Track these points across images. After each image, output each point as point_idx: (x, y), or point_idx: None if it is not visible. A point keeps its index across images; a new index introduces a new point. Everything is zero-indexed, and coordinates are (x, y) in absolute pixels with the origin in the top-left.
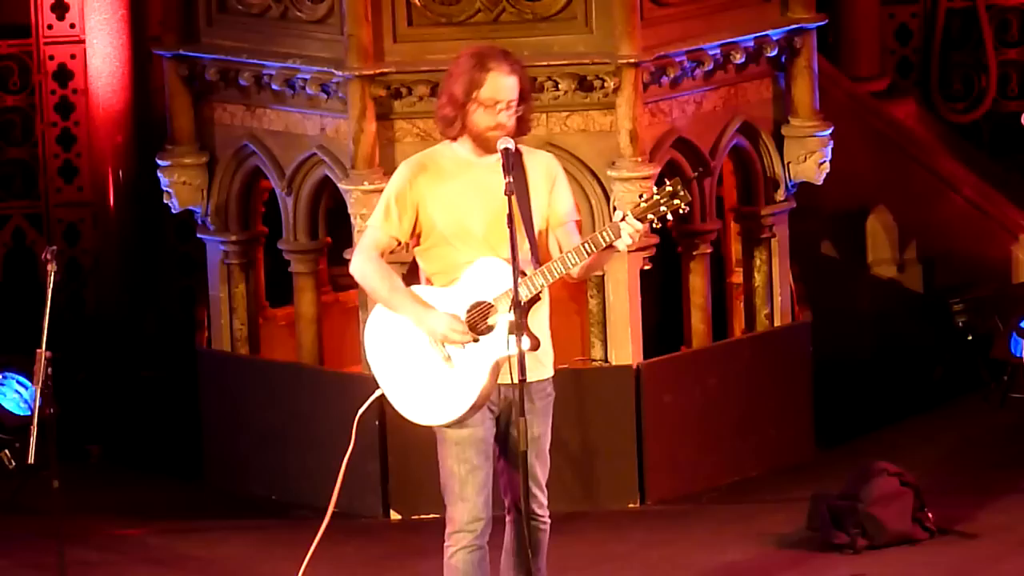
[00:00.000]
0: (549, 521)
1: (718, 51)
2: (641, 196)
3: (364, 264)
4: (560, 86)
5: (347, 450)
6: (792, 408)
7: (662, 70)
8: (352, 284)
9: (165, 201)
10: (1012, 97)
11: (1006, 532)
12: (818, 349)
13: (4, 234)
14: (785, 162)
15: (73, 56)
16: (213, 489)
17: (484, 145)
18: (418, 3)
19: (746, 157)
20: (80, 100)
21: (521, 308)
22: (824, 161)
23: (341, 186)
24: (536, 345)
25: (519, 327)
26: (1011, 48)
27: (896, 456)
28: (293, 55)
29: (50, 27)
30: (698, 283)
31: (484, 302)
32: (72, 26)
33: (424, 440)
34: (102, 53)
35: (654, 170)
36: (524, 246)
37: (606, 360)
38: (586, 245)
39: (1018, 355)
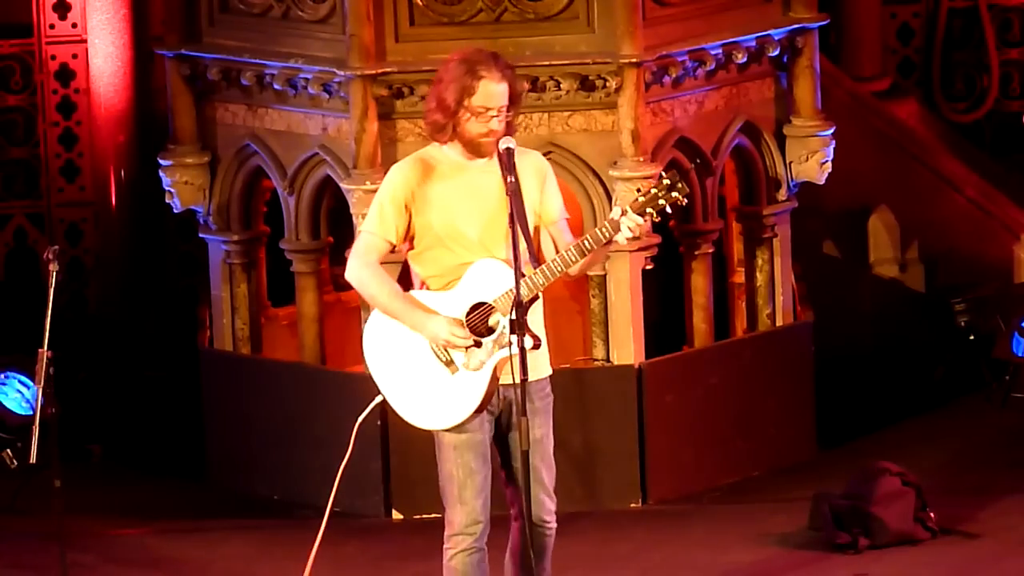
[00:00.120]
0: (555, 526)
1: (720, 51)
2: (638, 190)
3: (361, 270)
4: (562, 86)
5: (346, 454)
6: (794, 408)
7: (664, 70)
8: None
9: (167, 201)
10: (1014, 97)
11: (1008, 532)
12: (819, 349)
13: (6, 234)
14: (787, 162)
15: (75, 56)
16: (215, 489)
17: (475, 149)
18: (420, 3)
19: (748, 157)
20: (82, 100)
21: (523, 307)
22: (826, 161)
23: (343, 186)
24: (538, 344)
25: (520, 326)
26: (1013, 48)
27: (898, 456)
28: (295, 55)
29: (52, 27)
30: (700, 283)
31: (484, 304)
32: (74, 26)
33: (425, 440)
34: (104, 53)
35: (656, 170)
36: (521, 245)
37: (608, 360)
38: (585, 242)
39: (1020, 355)
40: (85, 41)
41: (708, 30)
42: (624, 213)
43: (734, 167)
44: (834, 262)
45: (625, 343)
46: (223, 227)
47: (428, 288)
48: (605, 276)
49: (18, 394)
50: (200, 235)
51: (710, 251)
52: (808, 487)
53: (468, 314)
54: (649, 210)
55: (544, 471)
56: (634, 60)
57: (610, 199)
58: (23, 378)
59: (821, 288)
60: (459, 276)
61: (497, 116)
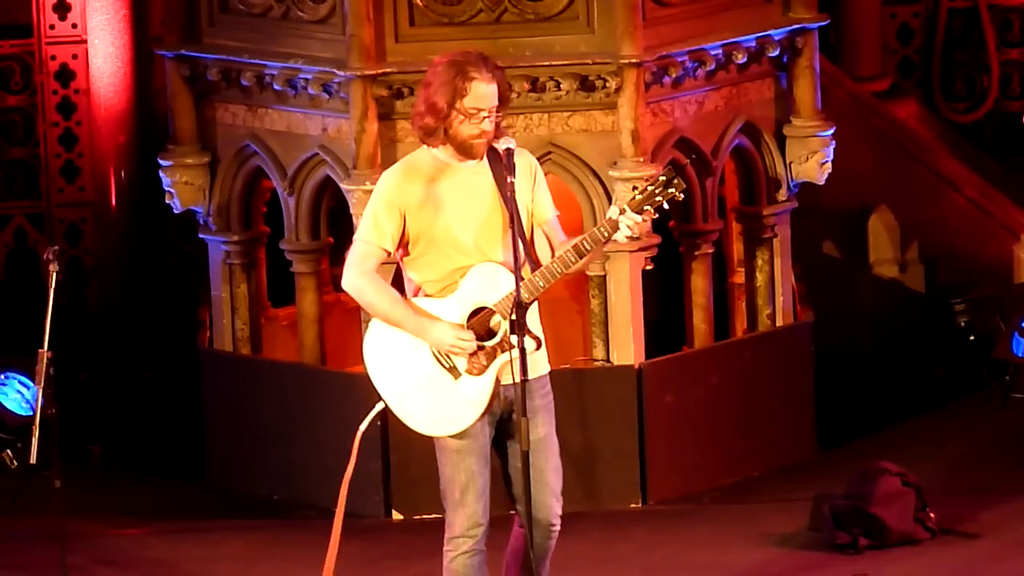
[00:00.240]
0: (559, 528)
1: (720, 51)
2: (635, 188)
3: (358, 279)
4: (562, 86)
5: (349, 461)
6: (794, 408)
7: (664, 70)
8: None
9: (167, 201)
10: (1014, 97)
11: (1008, 532)
12: (819, 349)
13: (6, 234)
14: (787, 162)
15: (75, 56)
16: (215, 489)
17: (466, 151)
18: (420, 3)
19: (748, 157)
20: (82, 100)
21: (523, 308)
22: (826, 161)
23: (343, 186)
24: (539, 345)
25: (521, 327)
26: (1013, 48)
27: (898, 456)
28: (295, 55)
29: (52, 27)
30: (700, 283)
31: (484, 308)
32: (74, 26)
33: (425, 441)
34: (104, 53)
35: (656, 170)
36: (519, 246)
37: (608, 360)
38: (584, 242)
39: (1020, 355)
40: (85, 41)
41: (708, 30)
42: (622, 212)
43: (734, 167)
44: (834, 262)
45: (625, 343)
46: (223, 227)
47: (424, 293)
48: (605, 276)
49: (18, 394)
50: (200, 235)
51: (710, 251)
52: (808, 487)
53: (469, 319)
54: (647, 208)
55: (551, 473)
56: (634, 60)
57: (610, 199)
58: (23, 378)
59: (821, 288)
60: (455, 280)
61: (488, 117)
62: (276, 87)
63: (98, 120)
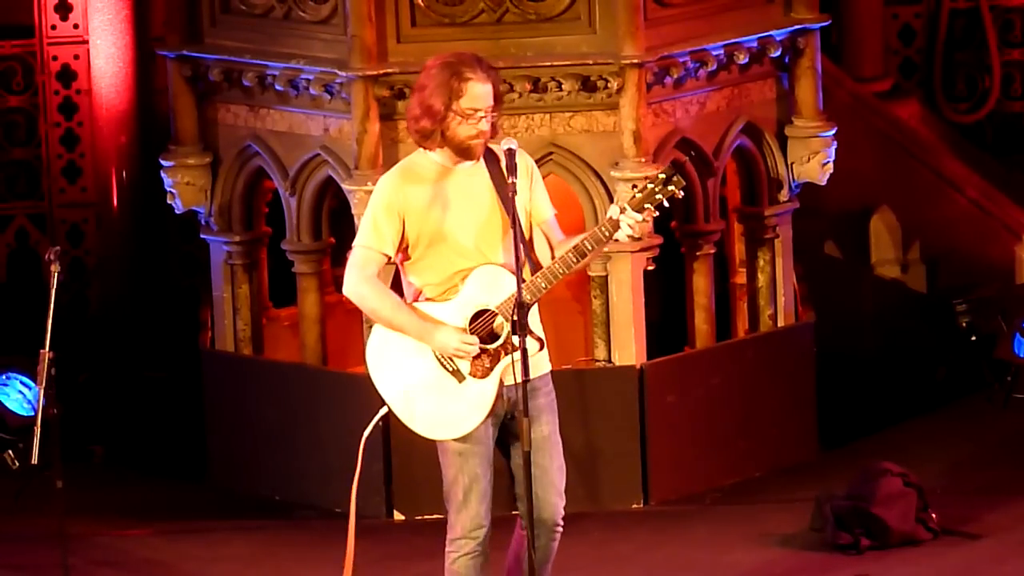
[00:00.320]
0: (562, 529)
1: (721, 51)
2: (634, 187)
3: (359, 285)
4: (563, 86)
5: (356, 468)
6: (795, 408)
7: (665, 70)
8: None
9: (168, 202)
10: (1015, 97)
11: (1009, 533)
12: (821, 349)
13: (7, 234)
14: (789, 162)
15: (77, 56)
16: (216, 489)
17: (463, 153)
18: (421, 4)
19: (750, 157)
20: (84, 100)
21: (525, 309)
22: (828, 161)
23: (344, 187)
24: (542, 346)
25: (523, 328)
26: (1014, 48)
27: (899, 456)
28: (296, 55)
29: (53, 27)
30: (701, 283)
31: (487, 310)
32: (76, 26)
33: (427, 441)
34: (106, 53)
35: (657, 170)
36: (520, 246)
37: (609, 360)
38: (586, 243)
39: (1021, 356)
40: (87, 42)
41: (709, 31)
42: (623, 211)
43: (736, 168)
44: (836, 263)
45: (627, 344)
46: (224, 228)
47: (425, 297)
48: (607, 277)
49: (20, 395)
50: (201, 236)
51: (712, 252)
52: (810, 488)
53: (471, 322)
54: (647, 206)
55: (555, 472)
56: (635, 61)
57: (612, 200)
58: (25, 379)
59: (823, 289)
60: (456, 284)
61: (485, 117)
62: (278, 87)
63: (100, 120)
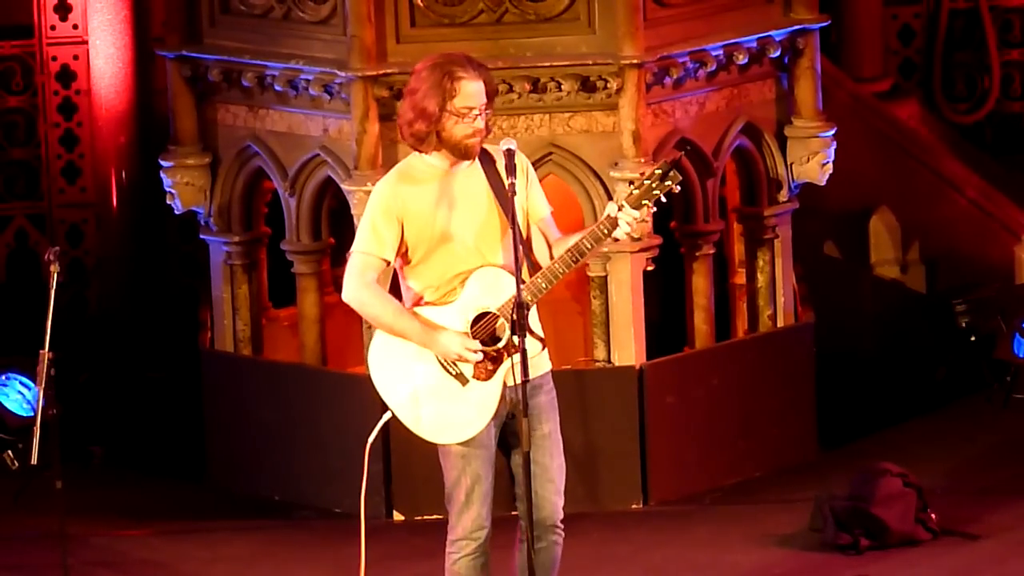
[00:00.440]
0: (563, 533)
1: (721, 52)
2: (631, 184)
3: (359, 291)
4: (563, 87)
5: (362, 474)
6: (795, 409)
7: (665, 71)
8: None
9: (168, 202)
10: (1015, 98)
11: (1009, 533)
12: (821, 350)
13: (7, 235)
14: (788, 163)
15: (76, 57)
16: (216, 490)
17: (460, 153)
18: (421, 4)
19: (749, 158)
20: (83, 101)
21: (525, 309)
22: (827, 162)
23: (344, 187)
24: (544, 346)
25: (523, 328)
26: (1014, 49)
27: (899, 457)
28: (296, 56)
29: (53, 28)
30: (701, 284)
31: (488, 313)
32: (75, 27)
33: (427, 442)
34: (105, 54)
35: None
36: (519, 246)
37: (609, 361)
38: (585, 241)
39: (1021, 356)
40: (86, 42)
41: (709, 31)
42: (621, 208)
43: (735, 168)
44: (835, 263)
45: (626, 344)
46: (224, 228)
47: (425, 301)
48: (606, 277)
49: (19, 395)
50: (201, 236)
51: (711, 252)
52: (810, 488)
53: (473, 324)
54: (645, 202)
55: (555, 470)
56: (635, 61)
57: (611, 200)
58: (24, 379)
59: (822, 289)
60: (455, 286)
61: (480, 115)
62: (277, 88)
63: (99, 121)
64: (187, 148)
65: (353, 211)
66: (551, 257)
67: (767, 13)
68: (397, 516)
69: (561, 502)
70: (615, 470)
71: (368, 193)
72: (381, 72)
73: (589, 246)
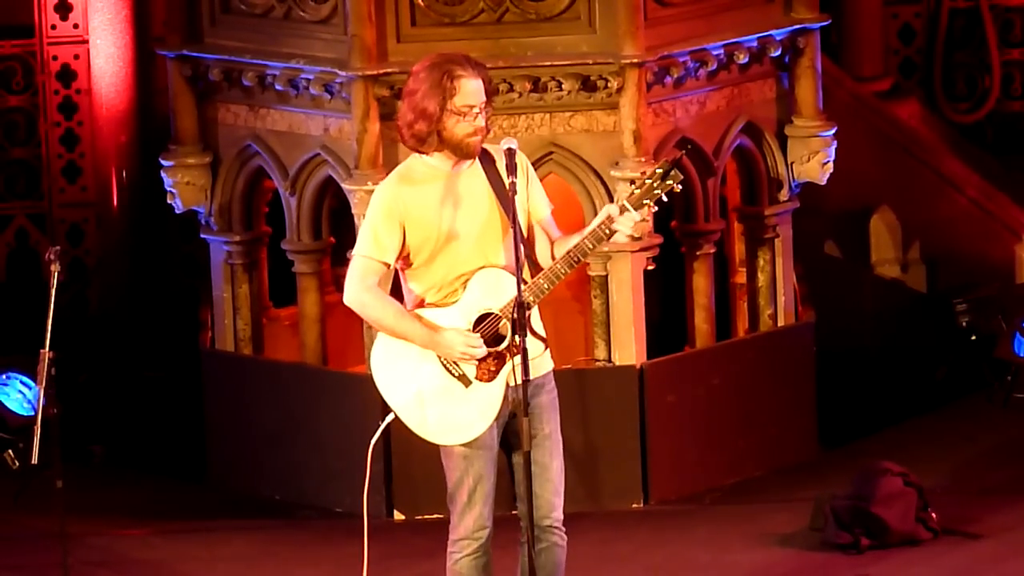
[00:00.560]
0: (566, 537)
1: (721, 51)
2: (632, 183)
3: (361, 294)
4: (564, 86)
5: (365, 477)
6: (795, 408)
7: (665, 70)
8: None
9: (168, 201)
10: (1015, 97)
11: (1009, 532)
12: (821, 349)
13: (7, 234)
14: (789, 162)
15: (77, 56)
16: (216, 489)
17: (461, 152)
18: (421, 3)
19: (750, 157)
20: (84, 100)
21: (526, 309)
22: (828, 161)
23: (344, 186)
24: (546, 346)
25: (523, 328)
26: (1014, 48)
27: (899, 456)
28: (297, 55)
29: (53, 27)
30: (702, 283)
31: (490, 314)
32: (75, 26)
33: (428, 441)
34: (106, 53)
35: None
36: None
37: (609, 360)
38: (586, 242)
39: (1021, 355)
40: (87, 42)
41: (710, 30)
42: (623, 210)
43: (736, 167)
44: (836, 262)
45: (627, 343)
46: (225, 228)
47: (426, 303)
48: (607, 276)
49: (20, 395)
50: (202, 236)
51: (712, 251)
52: (810, 487)
53: (475, 326)
54: (646, 202)
55: (555, 470)
56: (635, 60)
57: (612, 200)
58: (25, 379)
59: (823, 288)
60: (457, 288)
61: (480, 113)
62: (278, 87)
63: (100, 120)
64: (188, 147)
65: (354, 210)
66: (552, 256)
67: (768, 12)
68: (398, 516)
69: (560, 502)
70: (615, 469)
71: (369, 192)
72: (382, 71)
73: (591, 246)
